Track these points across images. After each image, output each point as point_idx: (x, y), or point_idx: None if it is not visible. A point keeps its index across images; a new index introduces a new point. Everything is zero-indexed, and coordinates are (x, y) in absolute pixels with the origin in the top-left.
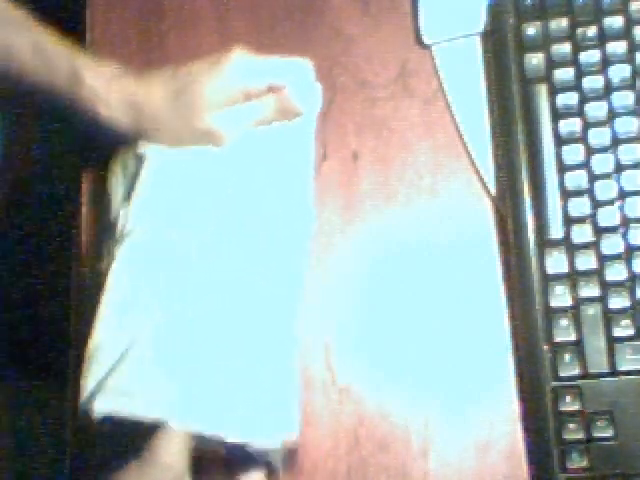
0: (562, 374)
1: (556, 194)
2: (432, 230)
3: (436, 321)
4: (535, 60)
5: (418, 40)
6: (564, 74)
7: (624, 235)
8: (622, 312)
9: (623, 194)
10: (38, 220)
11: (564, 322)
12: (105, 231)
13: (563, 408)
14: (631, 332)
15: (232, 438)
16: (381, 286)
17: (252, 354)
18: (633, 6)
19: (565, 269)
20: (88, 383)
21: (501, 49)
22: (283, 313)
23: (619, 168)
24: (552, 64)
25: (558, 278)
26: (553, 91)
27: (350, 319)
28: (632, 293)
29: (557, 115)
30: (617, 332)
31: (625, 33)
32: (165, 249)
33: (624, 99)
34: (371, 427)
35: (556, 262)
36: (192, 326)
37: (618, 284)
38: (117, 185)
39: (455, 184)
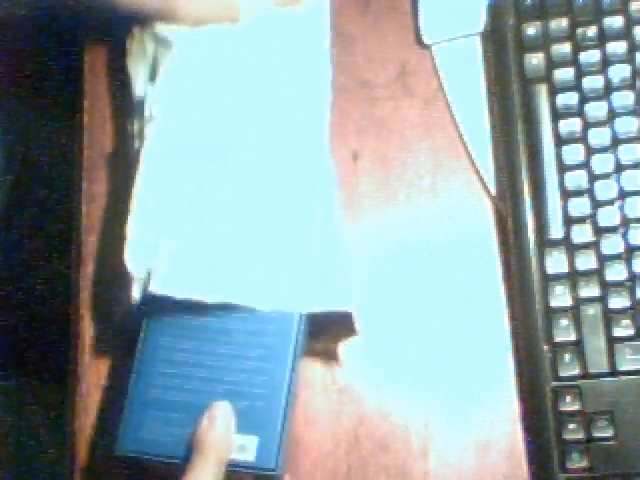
0: (562, 374)
1: (556, 194)
2: (432, 230)
3: (436, 321)
4: (535, 60)
5: (418, 40)
6: (564, 74)
7: (624, 235)
8: (622, 312)
9: (623, 194)
10: (38, 220)
11: (564, 322)
12: (130, 112)
13: (563, 408)
14: (631, 332)
15: (292, 308)
16: (381, 286)
17: (294, 229)
18: (633, 6)
19: (565, 269)
20: (136, 275)
21: (501, 49)
22: (313, 183)
23: (619, 168)
24: (552, 64)
25: (558, 278)
26: (553, 91)
27: None
28: (632, 293)
29: (557, 115)
30: (617, 332)
31: (625, 33)
32: (192, 130)
33: (624, 99)
34: (371, 427)
35: (556, 262)
36: (228, 203)
37: (618, 284)
38: (137, 67)
39: (455, 184)
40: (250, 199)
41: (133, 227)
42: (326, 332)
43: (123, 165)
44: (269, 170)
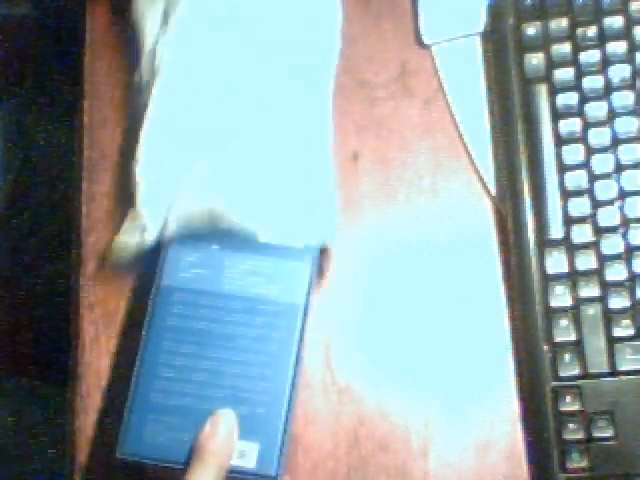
0: (562, 374)
1: (556, 194)
2: (432, 230)
3: (436, 321)
4: (535, 60)
5: (418, 40)
6: (564, 74)
7: (624, 235)
8: (622, 312)
9: (623, 194)
10: (38, 220)
11: (564, 322)
12: (140, 59)
13: (563, 408)
14: (631, 332)
15: (272, 239)
16: (381, 286)
17: (289, 164)
18: (633, 6)
19: (565, 269)
20: (150, 220)
21: (501, 49)
22: (313, 124)
23: (619, 168)
24: (552, 64)
25: (558, 278)
26: (553, 91)
27: (350, 319)
28: (632, 293)
29: (557, 115)
30: (617, 332)
31: (625, 33)
32: (201, 78)
33: (624, 99)
34: (371, 427)
35: (556, 262)
36: (236, 143)
37: (618, 284)
38: (146, 16)
39: (455, 184)
40: (256, 140)
41: (143, 173)
42: None
43: (128, 122)
44: (274, 115)
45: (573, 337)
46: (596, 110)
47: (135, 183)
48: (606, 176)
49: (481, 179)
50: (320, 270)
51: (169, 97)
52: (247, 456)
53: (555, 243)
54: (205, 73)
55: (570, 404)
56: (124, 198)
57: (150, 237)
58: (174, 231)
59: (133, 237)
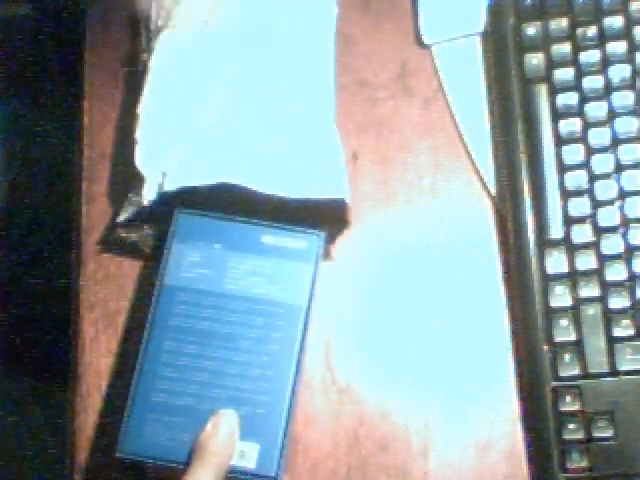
0: (562, 374)
1: (556, 194)
2: (432, 230)
3: (436, 321)
4: (535, 60)
5: (418, 40)
6: (564, 74)
7: (624, 235)
8: (622, 312)
9: (623, 194)
10: (38, 220)
11: (564, 322)
12: (140, 21)
13: (563, 408)
14: (631, 332)
15: (287, 194)
16: (381, 286)
17: (293, 125)
18: (633, 6)
19: (565, 269)
20: (148, 177)
21: (501, 49)
22: (317, 90)
23: (619, 168)
24: (552, 64)
25: (558, 278)
26: (553, 91)
27: (350, 319)
28: (632, 293)
29: (557, 115)
30: (617, 332)
31: (625, 33)
32: (199, 39)
33: (624, 99)
34: (371, 427)
35: (556, 262)
36: (235, 104)
37: (618, 284)
38: None
39: (455, 184)
40: (257, 101)
41: (143, 131)
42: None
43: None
44: (275, 77)
45: (573, 337)
46: (596, 110)
47: (134, 144)
48: (606, 176)
49: (481, 179)
50: (326, 252)
51: (168, 62)
52: (247, 456)
53: (555, 243)
54: (203, 34)
55: (570, 404)
56: (124, 197)
57: (149, 195)
58: (176, 191)
59: (133, 212)
